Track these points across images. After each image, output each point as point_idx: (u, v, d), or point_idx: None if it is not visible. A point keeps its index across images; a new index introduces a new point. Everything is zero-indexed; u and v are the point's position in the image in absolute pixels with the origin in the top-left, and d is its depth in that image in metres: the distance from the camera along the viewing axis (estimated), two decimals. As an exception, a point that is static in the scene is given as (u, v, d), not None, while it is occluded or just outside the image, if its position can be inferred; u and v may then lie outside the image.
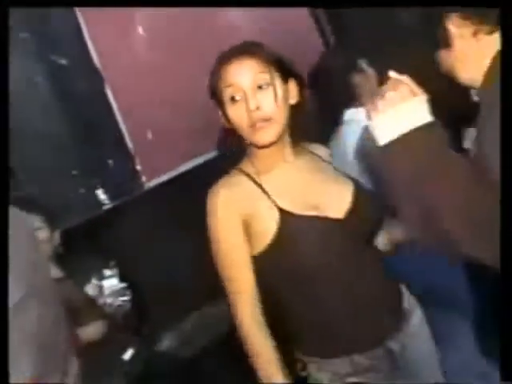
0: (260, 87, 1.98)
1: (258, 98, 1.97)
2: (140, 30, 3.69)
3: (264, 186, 2.07)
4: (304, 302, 2.07)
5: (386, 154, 1.66)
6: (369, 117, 1.71)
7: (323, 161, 2.22)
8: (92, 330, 3.09)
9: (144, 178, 3.75)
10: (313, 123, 2.25)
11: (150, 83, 3.69)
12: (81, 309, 3.14)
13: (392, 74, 1.71)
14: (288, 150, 2.12)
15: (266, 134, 1.99)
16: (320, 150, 2.28)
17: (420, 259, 2.80)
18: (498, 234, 1.42)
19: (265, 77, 1.98)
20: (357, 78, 2.95)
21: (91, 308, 3.21)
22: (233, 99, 1.99)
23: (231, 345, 2.21)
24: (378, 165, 1.72)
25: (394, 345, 2.11)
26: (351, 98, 2.93)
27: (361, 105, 2.93)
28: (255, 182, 2.08)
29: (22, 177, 3.11)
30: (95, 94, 3.58)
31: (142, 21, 3.68)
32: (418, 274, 2.85)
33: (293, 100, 2.07)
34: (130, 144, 3.67)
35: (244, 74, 1.98)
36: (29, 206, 2.78)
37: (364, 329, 2.06)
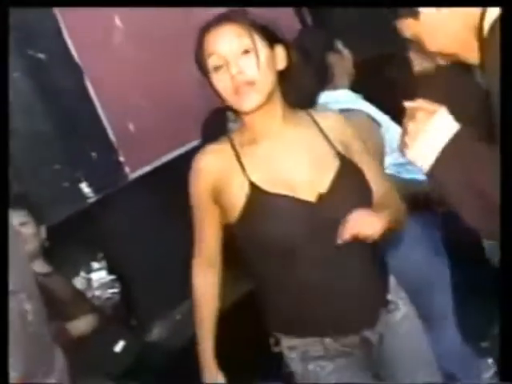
0: (242, 52, 1.95)
1: (240, 63, 1.94)
2: (118, 21, 3.68)
3: (243, 158, 2.05)
4: (276, 279, 2.07)
5: (433, 176, 1.69)
6: (403, 154, 1.74)
7: (321, 133, 2.12)
8: (82, 324, 3.11)
9: (128, 170, 3.76)
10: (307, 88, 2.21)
11: (129, 75, 3.70)
12: (70, 303, 3.16)
13: (406, 104, 1.72)
14: (278, 119, 2.06)
15: (250, 99, 1.96)
16: (328, 119, 2.16)
17: (403, 249, 2.81)
18: None
19: (245, 42, 1.95)
20: (332, 59, 2.93)
21: (80, 301, 3.23)
22: (216, 68, 1.96)
23: (220, 333, 2.23)
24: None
25: (370, 334, 2.08)
26: (326, 79, 2.92)
27: (335, 87, 2.92)
28: (236, 153, 2.06)
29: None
30: (75, 87, 3.59)
31: (119, 12, 3.67)
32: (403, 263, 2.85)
33: (281, 65, 2.03)
34: (112, 136, 3.68)
35: (224, 41, 1.96)
36: (13, 201, 2.79)
37: (339, 315, 2.04)
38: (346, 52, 2.97)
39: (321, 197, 2.00)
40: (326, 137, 2.10)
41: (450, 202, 1.67)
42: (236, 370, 2.23)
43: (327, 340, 2.07)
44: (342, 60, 2.96)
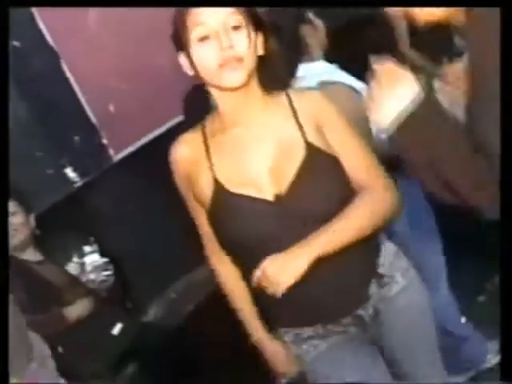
0: (232, 27, 1.86)
1: (231, 37, 1.86)
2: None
3: (211, 149, 1.99)
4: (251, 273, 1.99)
5: (394, 141, 1.70)
6: (370, 115, 1.74)
7: (294, 117, 2.02)
8: (78, 308, 3.15)
9: (111, 152, 3.78)
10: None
11: (106, 57, 3.70)
12: (65, 288, 3.20)
13: (374, 64, 1.73)
14: (252, 105, 1.98)
15: (235, 75, 1.87)
16: (305, 99, 2.07)
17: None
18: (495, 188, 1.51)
19: (238, 17, 1.87)
20: (305, 30, 2.94)
21: (75, 286, 3.27)
22: (202, 38, 1.86)
23: (215, 309, 2.23)
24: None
25: (362, 311, 2.06)
26: (302, 51, 2.93)
27: (311, 58, 2.93)
28: (205, 144, 2.01)
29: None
30: (53, 73, 3.59)
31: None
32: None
33: (260, 51, 1.95)
34: (93, 119, 3.69)
35: (215, 13, 1.86)
36: None
37: (322, 304, 2.00)
38: (318, 22, 2.96)
39: (278, 196, 1.93)
40: (297, 122, 2.01)
41: (410, 169, 1.70)
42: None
43: (317, 326, 2.06)
44: (315, 31, 2.95)
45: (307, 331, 2.07)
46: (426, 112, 1.65)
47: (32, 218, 3.24)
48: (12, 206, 3.10)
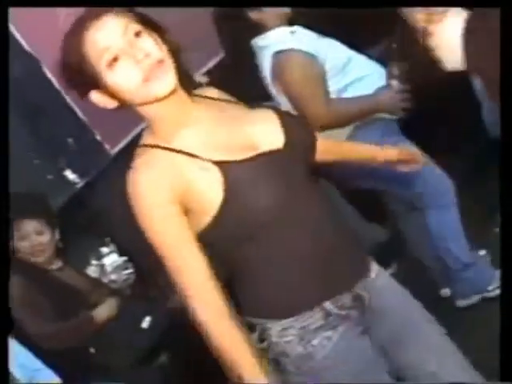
0: (134, 36, 1.77)
1: (140, 45, 1.76)
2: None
3: (184, 149, 1.84)
4: (266, 260, 1.91)
5: (471, 67, 1.74)
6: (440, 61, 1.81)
7: (226, 101, 2.02)
8: (106, 308, 3.20)
9: (107, 147, 3.79)
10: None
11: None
12: (88, 291, 3.27)
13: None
14: (187, 102, 1.91)
15: (164, 80, 1.77)
16: (214, 93, 2.05)
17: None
18: None
19: (135, 25, 1.78)
20: (255, 15, 3.06)
21: (98, 287, 3.35)
22: (111, 63, 1.76)
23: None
24: None
25: (362, 290, 2.00)
26: (256, 32, 3.07)
27: (269, 29, 3.08)
28: (171, 150, 1.84)
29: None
30: (34, 78, 3.58)
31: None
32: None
33: (167, 47, 1.83)
34: (84, 118, 3.69)
35: (114, 32, 1.77)
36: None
37: (332, 273, 1.94)
38: (264, 8, 3.09)
39: (286, 140, 1.91)
40: (237, 103, 2.02)
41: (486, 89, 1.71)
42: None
43: (327, 303, 1.94)
44: (264, 14, 3.09)
45: (314, 321, 1.94)
46: (476, 24, 1.66)
47: (57, 233, 3.27)
48: (38, 226, 3.14)
